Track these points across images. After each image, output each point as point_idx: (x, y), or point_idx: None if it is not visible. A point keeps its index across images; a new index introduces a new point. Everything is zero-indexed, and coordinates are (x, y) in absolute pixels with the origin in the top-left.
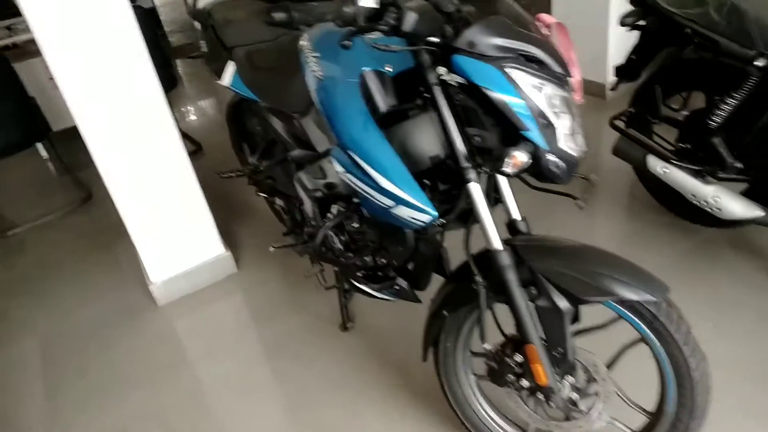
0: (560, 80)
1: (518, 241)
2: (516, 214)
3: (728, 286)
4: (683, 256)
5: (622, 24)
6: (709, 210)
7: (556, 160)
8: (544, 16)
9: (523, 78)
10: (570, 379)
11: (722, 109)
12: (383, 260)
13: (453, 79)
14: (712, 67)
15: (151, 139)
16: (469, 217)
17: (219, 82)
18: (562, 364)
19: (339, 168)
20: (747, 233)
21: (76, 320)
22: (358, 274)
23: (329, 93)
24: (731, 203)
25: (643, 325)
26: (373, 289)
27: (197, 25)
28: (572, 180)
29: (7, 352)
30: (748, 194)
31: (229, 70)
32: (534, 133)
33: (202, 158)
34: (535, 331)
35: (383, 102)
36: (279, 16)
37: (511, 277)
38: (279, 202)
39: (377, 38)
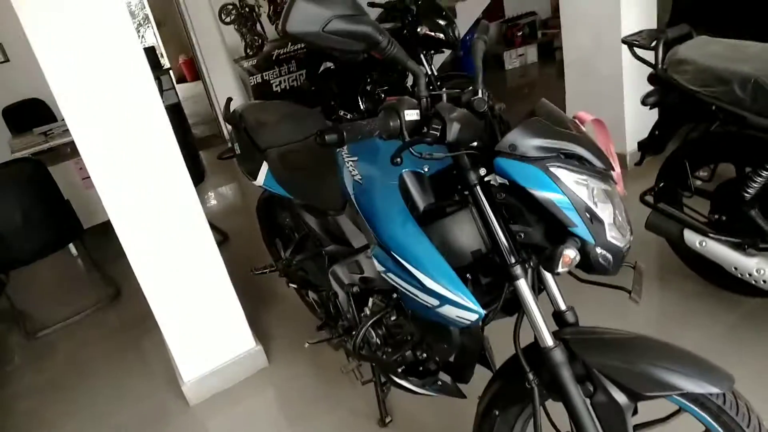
0: (602, 174)
1: (568, 334)
2: (562, 304)
3: None
4: (728, 330)
5: (644, 103)
6: (753, 283)
7: (604, 252)
8: (582, 114)
9: (566, 176)
10: None
11: (756, 181)
12: (425, 355)
13: (495, 179)
14: (740, 140)
15: (183, 235)
16: (511, 306)
17: (254, 182)
18: None
19: (380, 267)
20: None
21: (108, 426)
22: (398, 369)
23: (369, 195)
24: None
25: (709, 419)
26: (415, 385)
27: (229, 127)
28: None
29: None
30: None
31: (263, 170)
32: (581, 229)
33: (229, 248)
34: (594, 430)
35: (422, 200)
36: (331, 138)
37: (566, 374)
38: (312, 295)
39: (418, 146)
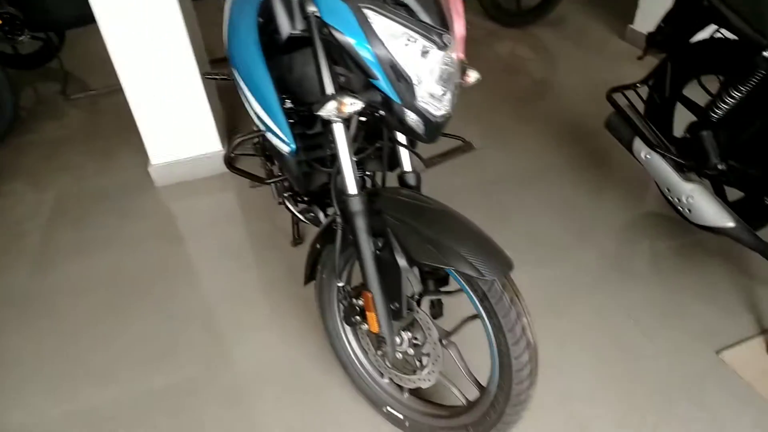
0: (429, 31)
1: (387, 192)
2: (406, 166)
3: (690, 296)
4: (670, 252)
5: None
6: (680, 209)
7: (413, 116)
8: None
9: (379, 22)
10: (408, 334)
11: (725, 102)
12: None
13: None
14: (727, 50)
15: (162, 38)
16: (384, 157)
17: None
18: (399, 318)
19: (236, 85)
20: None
21: (89, 185)
22: (284, 194)
23: (234, 9)
24: (704, 207)
25: (476, 301)
26: (296, 211)
27: None
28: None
29: (26, 196)
30: (741, 205)
31: None
32: (383, 84)
33: None
34: (375, 281)
35: (286, 25)
36: None
37: (360, 224)
38: None
39: None
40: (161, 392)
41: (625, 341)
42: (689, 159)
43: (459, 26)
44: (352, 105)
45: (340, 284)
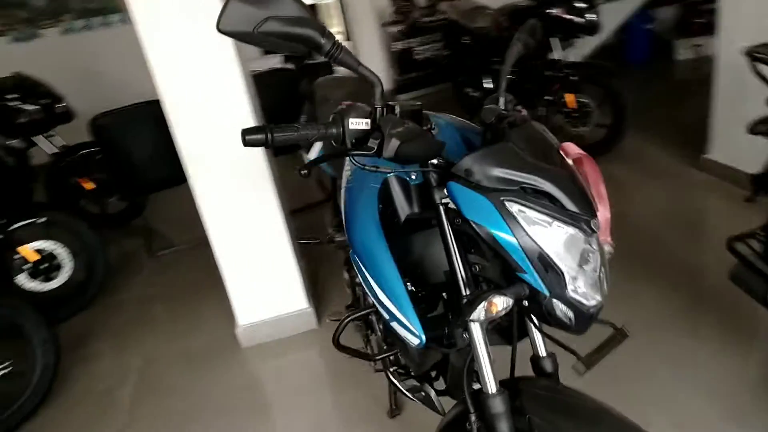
0: (576, 219)
1: (527, 385)
2: (541, 350)
3: None
4: None
5: (751, 132)
6: None
7: (563, 308)
8: (568, 145)
9: (523, 214)
10: None
11: None
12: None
13: (450, 203)
14: None
15: (251, 199)
16: (509, 334)
17: (306, 155)
18: None
19: (356, 269)
20: None
21: (175, 348)
22: (390, 369)
23: (350, 192)
24: None
25: None
26: (404, 388)
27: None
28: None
29: (115, 360)
30: None
31: (316, 146)
32: (530, 277)
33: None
34: None
35: (405, 208)
36: (253, 138)
37: (503, 427)
38: (345, 274)
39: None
40: None
41: None
42: None
43: (604, 210)
44: (503, 305)
45: None
